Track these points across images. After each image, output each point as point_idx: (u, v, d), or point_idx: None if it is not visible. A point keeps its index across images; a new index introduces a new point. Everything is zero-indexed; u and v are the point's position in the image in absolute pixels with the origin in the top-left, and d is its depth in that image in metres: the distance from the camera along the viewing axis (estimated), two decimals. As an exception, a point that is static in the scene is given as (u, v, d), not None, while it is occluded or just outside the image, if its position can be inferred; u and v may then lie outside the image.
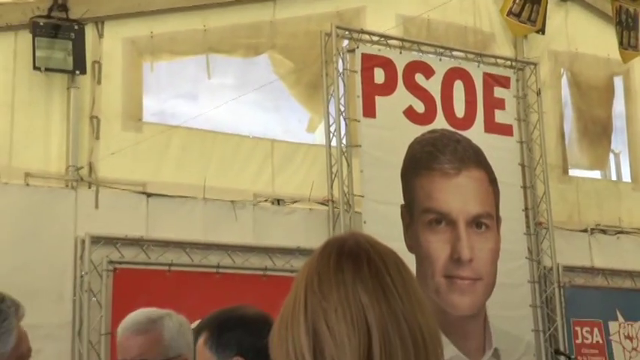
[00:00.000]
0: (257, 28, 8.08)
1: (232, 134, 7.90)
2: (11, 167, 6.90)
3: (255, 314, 2.50)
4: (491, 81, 8.60)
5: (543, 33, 9.28)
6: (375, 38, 8.09)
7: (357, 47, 7.95)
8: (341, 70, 7.91)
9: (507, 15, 8.76)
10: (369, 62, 7.95)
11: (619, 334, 8.91)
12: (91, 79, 7.33)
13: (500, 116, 8.58)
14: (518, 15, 8.75)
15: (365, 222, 7.44)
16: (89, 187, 7.12)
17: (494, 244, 8.11)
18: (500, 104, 8.62)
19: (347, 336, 1.40)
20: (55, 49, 7.10)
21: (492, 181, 8.26)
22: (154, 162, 7.48)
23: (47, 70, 7.08)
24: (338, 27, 7.88)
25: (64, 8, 7.17)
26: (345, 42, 8.11)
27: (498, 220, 8.20)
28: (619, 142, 10.11)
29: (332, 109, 7.80)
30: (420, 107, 8.11)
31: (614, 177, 10.18)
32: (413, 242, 7.70)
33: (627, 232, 9.57)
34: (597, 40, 9.86)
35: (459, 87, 8.37)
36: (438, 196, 7.89)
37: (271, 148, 8.01)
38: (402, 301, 1.44)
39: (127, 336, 2.90)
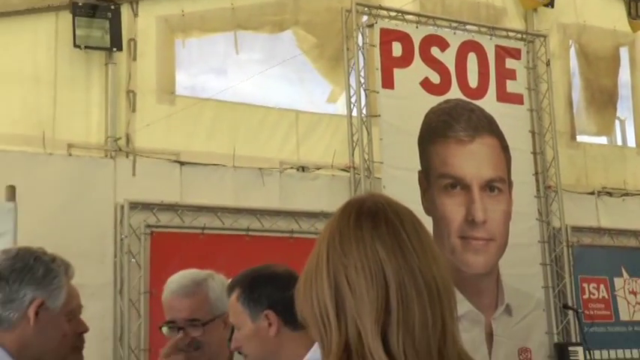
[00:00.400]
0: (281, 5, 8.05)
1: (259, 106, 7.89)
2: (55, 139, 6.95)
3: (284, 271, 2.48)
4: (503, 53, 8.52)
5: (552, 6, 9.19)
6: (393, 14, 8.04)
7: (376, 22, 7.90)
8: (361, 44, 7.86)
9: (518, -11, 8.68)
10: (388, 36, 7.90)
11: (624, 290, 8.89)
12: (127, 56, 7.35)
13: (511, 86, 8.51)
14: (528, -11, 8.66)
15: (384, 187, 7.41)
16: (127, 157, 7.16)
17: (507, 207, 8.09)
18: (512, 75, 8.53)
19: (366, 289, 1.42)
20: (94, 27, 7.11)
21: (504, 147, 8.22)
22: (187, 132, 7.50)
23: (86, 47, 7.10)
24: (358, 3, 7.82)
25: (101, -11, 7.19)
26: (365, 18, 8.05)
27: (510, 184, 8.17)
28: (624, 109, 10.03)
29: (352, 81, 7.77)
30: (435, 78, 8.06)
31: (619, 142, 10.09)
32: (430, 205, 7.68)
33: (632, 194, 9.52)
34: (604, 12, 9.75)
35: (472, 59, 8.30)
36: (453, 162, 7.87)
37: (296, 118, 8.01)
38: (417, 256, 1.45)
39: (174, 298, 2.84)
